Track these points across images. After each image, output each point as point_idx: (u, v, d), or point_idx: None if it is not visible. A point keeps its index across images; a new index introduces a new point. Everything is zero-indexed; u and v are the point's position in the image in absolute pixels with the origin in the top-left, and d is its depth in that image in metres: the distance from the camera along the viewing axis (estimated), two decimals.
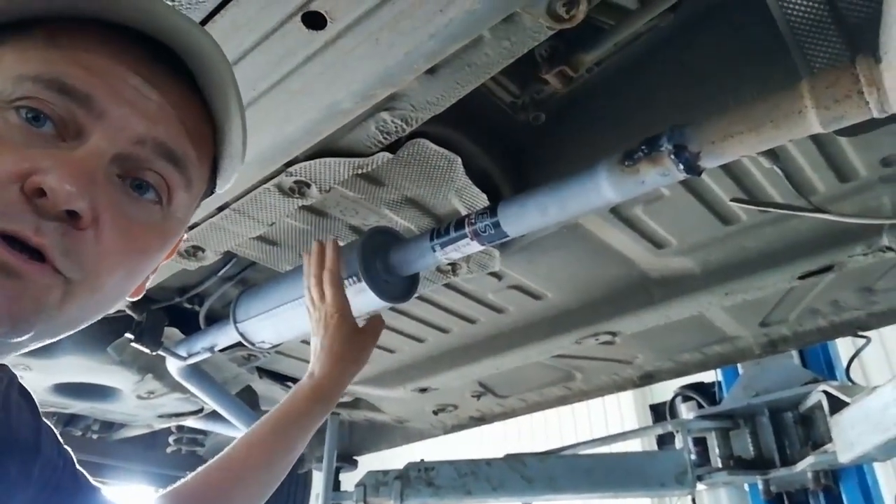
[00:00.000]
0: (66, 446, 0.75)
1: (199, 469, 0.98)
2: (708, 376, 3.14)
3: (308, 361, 2.18)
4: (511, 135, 1.46)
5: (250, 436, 1.05)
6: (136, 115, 0.59)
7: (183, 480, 0.96)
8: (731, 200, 1.22)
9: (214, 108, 0.66)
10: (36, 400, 0.72)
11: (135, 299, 0.72)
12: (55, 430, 0.74)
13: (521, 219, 1.15)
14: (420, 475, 2.54)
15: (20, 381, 0.71)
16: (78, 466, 0.75)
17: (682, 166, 0.97)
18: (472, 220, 1.20)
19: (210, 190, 0.74)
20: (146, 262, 0.63)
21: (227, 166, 0.72)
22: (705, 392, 3.23)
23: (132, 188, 0.60)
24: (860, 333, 2.06)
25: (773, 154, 1.14)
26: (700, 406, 3.13)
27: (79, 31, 0.58)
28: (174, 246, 0.70)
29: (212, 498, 0.97)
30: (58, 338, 0.60)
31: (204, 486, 0.97)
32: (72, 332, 0.61)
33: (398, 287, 1.39)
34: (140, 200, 0.60)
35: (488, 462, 2.56)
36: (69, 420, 2.64)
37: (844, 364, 2.86)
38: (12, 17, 0.58)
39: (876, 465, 3.11)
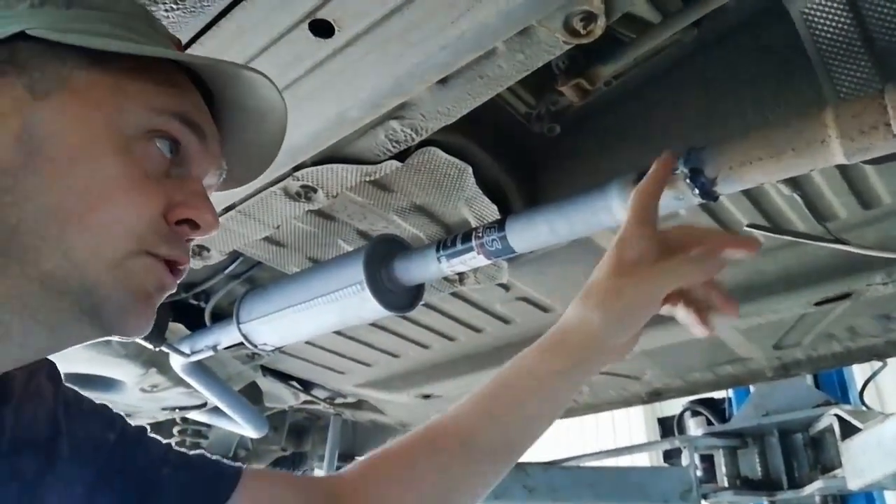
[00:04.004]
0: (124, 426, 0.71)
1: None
2: (718, 392, 3.10)
3: (312, 363, 2.21)
4: (524, 146, 1.43)
5: (472, 395, 0.83)
6: (218, 146, 0.65)
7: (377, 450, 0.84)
8: (747, 226, 1.18)
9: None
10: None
11: None
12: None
13: (529, 235, 1.12)
14: None
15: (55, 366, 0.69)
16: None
17: (697, 191, 0.93)
18: (480, 234, 1.18)
19: None
20: None
21: None
22: (715, 408, 3.20)
23: None
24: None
25: (793, 181, 1.10)
26: (709, 422, 3.09)
27: (172, 70, 0.60)
28: None
29: (399, 466, 0.81)
30: None
31: (393, 451, 0.83)
32: None
33: (403, 297, 1.37)
34: None
35: None
36: None
37: (859, 387, 2.80)
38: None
39: (887, 492, 3.06)
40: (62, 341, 0.56)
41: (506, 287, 1.70)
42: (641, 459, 4.59)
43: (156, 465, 0.70)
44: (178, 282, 0.61)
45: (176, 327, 1.85)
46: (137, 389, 2.20)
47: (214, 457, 0.76)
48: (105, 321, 0.55)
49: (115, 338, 0.58)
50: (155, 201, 0.56)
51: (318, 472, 2.83)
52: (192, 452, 0.75)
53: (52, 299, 0.52)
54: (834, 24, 0.94)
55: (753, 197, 1.31)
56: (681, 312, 0.81)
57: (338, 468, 2.87)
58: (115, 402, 2.39)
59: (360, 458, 0.85)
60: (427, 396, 2.28)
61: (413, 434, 0.84)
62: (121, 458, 0.67)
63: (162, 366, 2.05)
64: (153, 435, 0.74)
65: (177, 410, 2.51)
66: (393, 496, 0.80)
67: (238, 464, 0.76)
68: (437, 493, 0.81)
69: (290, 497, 0.78)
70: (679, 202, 0.96)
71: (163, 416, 2.65)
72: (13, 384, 0.60)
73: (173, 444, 0.75)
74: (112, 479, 0.66)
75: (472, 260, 1.20)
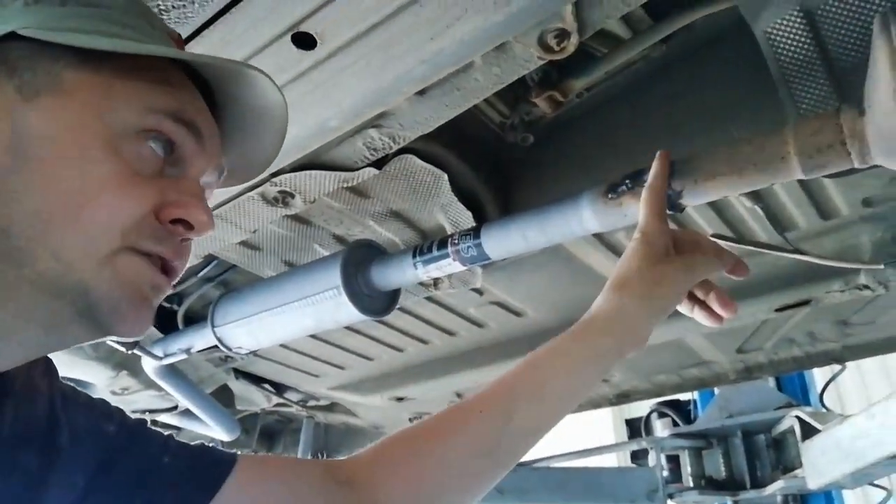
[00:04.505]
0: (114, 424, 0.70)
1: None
2: (684, 394, 3.17)
3: (286, 365, 2.21)
4: (499, 154, 1.46)
5: (500, 379, 0.83)
6: (217, 145, 0.64)
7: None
8: (712, 236, 1.22)
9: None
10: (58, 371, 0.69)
11: None
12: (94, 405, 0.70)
13: (504, 242, 1.15)
14: None
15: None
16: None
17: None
18: (455, 241, 1.20)
19: None
20: None
21: None
22: (681, 410, 3.26)
23: None
24: None
25: (754, 194, 1.14)
26: (675, 423, 3.16)
27: (169, 67, 0.60)
28: None
29: (423, 449, 0.79)
30: None
31: (418, 433, 0.81)
32: None
33: (379, 301, 1.39)
34: None
35: None
36: None
37: (819, 389, 2.89)
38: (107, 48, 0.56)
39: (845, 491, 3.16)
40: (60, 341, 0.57)
41: (479, 292, 1.73)
42: (609, 460, 4.66)
43: (156, 454, 0.69)
44: (174, 282, 0.61)
45: (148, 330, 1.84)
46: (108, 392, 2.17)
47: (212, 444, 0.76)
48: (101, 322, 0.55)
49: (115, 338, 0.59)
50: (143, 200, 0.56)
51: None
52: (192, 443, 0.74)
53: (47, 300, 0.53)
54: (795, 43, 0.99)
55: (718, 208, 1.36)
56: (685, 309, 0.92)
57: None
58: None
59: (380, 440, 0.81)
60: (400, 399, 2.30)
61: (440, 416, 0.81)
62: (121, 448, 0.67)
63: (133, 368, 2.04)
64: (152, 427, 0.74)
65: (147, 413, 2.49)
66: (414, 481, 0.77)
67: (234, 451, 0.75)
68: (464, 477, 0.78)
69: (289, 482, 0.76)
70: None
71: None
72: (12, 379, 0.61)
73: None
74: (112, 468, 0.65)
75: (448, 266, 1.22)
